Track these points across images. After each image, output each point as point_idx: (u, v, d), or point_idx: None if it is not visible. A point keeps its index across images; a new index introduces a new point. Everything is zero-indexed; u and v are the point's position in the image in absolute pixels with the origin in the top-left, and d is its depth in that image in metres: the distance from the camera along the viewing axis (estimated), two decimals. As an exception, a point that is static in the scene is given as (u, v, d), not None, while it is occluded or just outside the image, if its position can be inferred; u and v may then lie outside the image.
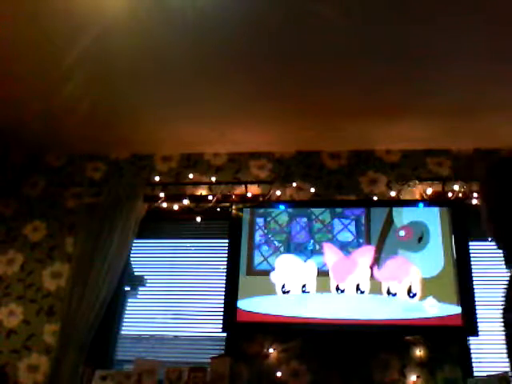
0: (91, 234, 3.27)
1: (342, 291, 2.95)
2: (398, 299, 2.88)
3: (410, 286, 2.89)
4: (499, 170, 1.31)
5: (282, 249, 3.09)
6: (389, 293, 2.90)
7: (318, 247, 3.07)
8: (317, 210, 3.16)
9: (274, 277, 3.02)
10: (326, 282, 2.98)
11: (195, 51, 2.64)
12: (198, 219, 3.39)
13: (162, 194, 3.41)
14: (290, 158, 3.55)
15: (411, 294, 2.88)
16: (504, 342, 1.20)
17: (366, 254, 3.01)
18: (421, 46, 2.56)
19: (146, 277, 3.43)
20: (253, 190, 3.39)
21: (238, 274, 3.03)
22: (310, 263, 3.03)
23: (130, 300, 3.38)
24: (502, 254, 1.32)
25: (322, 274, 3.00)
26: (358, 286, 2.94)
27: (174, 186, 3.49)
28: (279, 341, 3.02)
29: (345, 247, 3.05)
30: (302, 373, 2.95)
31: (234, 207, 3.23)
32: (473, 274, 2.90)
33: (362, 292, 2.93)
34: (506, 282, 1.26)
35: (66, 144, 3.63)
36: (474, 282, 2.89)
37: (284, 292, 2.98)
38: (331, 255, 3.04)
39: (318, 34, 2.49)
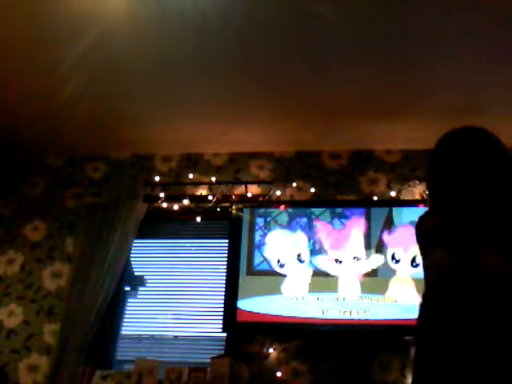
0: (91, 234, 3.27)
1: (341, 262, 3.00)
2: (397, 302, 2.89)
3: (415, 257, 2.92)
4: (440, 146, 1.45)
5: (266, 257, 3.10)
6: (393, 258, 2.94)
7: (318, 247, 3.07)
8: (317, 210, 3.16)
9: (267, 253, 3.06)
10: (326, 281, 2.98)
11: (195, 51, 2.64)
12: (198, 219, 3.39)
13: (162, 194, 3.40)
14: (290, 157, 3.55)
15: (414, 264, 2.91)
16: None
17: (358, 224, 3.07)
18: (421, 47, 2.56)
19: (146, 277, 3.43)
20: (253, 190, 3.39)
21: (238, 274, 3.03)
22: (299, 234, 3.07)
23: (129, 300, 3.39)
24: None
25: (321, 274, 3.00)
26: (354, 256, 3.01)
27: (174, 186, 3.49)
28: (279, 341, 3.02)
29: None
30: (302, 373, 2.95)
31: (234, 207, 3.23)
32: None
33: (359, 259, 2.97)
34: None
35: (66, 144, 3.62)
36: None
37: (280, 266, 3.02)
38: (323, 230, 3.09)
39: (318, 34, 2.50)
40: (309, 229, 3.12)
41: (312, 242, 3.08)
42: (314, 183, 3.43)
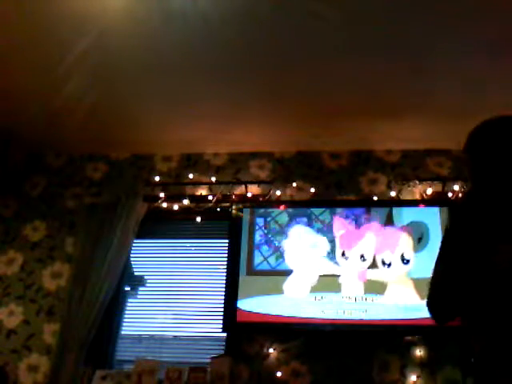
0: (91, 234, 3.27)
1: (347, 258, 3.01)
2: (397, 302, 2.89)
3: (403, 254, 2.97)
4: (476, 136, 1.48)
5: (281, 249, 3.09)
6: (384, 264, 2.96)
7: (332, 253, 3.06)
8: (317, 210, 3.16)
9: (286, 244, 3.08)
10: (328, 281, 2.98)
11: (195, 51, 2.64)
12: (198, 219, 3.39)
13: (162, 194, 3.40)
14: (290, 157, 3.55)
15: (405, 261, 2.95)
16: None
17: (375, 229, 3.07)
18: (421, 47, 2.56)
19: (146, 277, 3.43)
20: (253, 190, 3.39)
21: (238, 274, 3.03)
22: (321, 237, 3.08)
23: (129, 300, 3.38)
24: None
25: (326, 274, 3.00)
26: (362, 255, 3.01)
27: (174, 186, 3.49)
28: (279, 341, 3.02)
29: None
30: (302, 373, 2.95)
31: (234, 207, 3.23)
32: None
33: (365, 260, 2.98)
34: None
35: (66, 144, 3.63)
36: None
37: (293, 258, 3.05)
38: (340, 226, 3.10)
39: (317, 34, 2.50)
40: (329, 233, 3.11)
41: (330, 247, 3.07)
42: (314, 183, 3.43)
